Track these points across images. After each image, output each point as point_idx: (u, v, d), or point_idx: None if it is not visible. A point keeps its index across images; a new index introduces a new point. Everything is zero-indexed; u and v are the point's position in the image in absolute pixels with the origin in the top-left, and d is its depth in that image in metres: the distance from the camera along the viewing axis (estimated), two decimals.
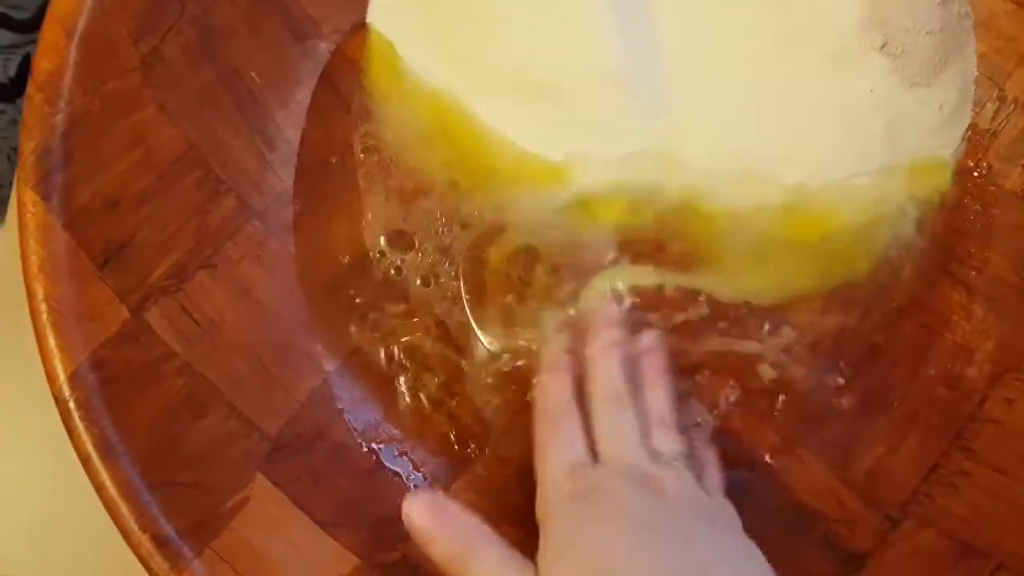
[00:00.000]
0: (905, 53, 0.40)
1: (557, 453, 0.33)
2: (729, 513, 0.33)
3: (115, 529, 0.31)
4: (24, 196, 0.32)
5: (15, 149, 0.48)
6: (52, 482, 0.41)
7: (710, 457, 0.36)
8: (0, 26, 0.49)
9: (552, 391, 0.35)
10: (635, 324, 0.39)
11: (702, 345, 0.40)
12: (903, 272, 0.40)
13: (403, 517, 0.31)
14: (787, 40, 0.40)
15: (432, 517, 0.31)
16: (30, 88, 0.33)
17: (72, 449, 0.31)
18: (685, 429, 0.36)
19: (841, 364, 0.39)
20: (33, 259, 0.32)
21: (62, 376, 0.31)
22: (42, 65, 0.33)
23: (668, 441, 0.34)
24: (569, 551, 0.29)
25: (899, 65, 0.40)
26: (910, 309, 0.40)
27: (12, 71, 0.49)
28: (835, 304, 0.40)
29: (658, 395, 0.36)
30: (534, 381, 0.36)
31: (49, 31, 0.33)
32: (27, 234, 0.32)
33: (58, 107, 0.33)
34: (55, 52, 0.33)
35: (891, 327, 0.40)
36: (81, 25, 0.34)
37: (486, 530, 0.31)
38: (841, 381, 0.39)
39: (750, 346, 0.40)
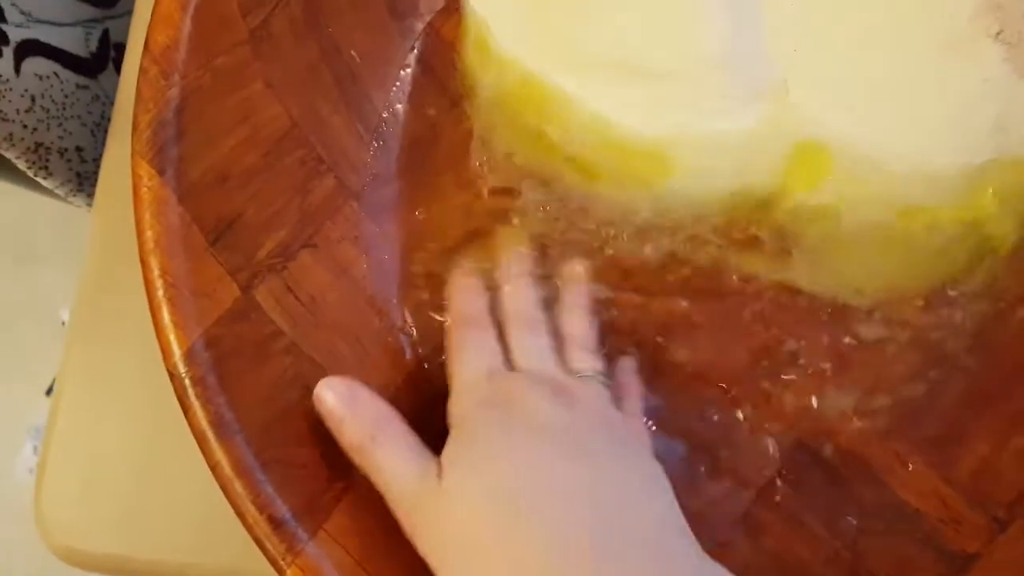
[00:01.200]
0: (1021, 41, 0.39)
1: (474, 357, 0.34)
2: (640, 434, 0.35)
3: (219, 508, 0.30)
4: (140, 169, 0.32)
5: (98, 124, 0.48)
6: (160, 458, 0.40)
7: (634, 385, 0.37)
8: (81, 0, 0.49)
9: (465, 302, 0.37)
10: None
11: (797, 335, 0.39)
12: (1007, 267, 0.39)
13: (314, 400, 0.32)
14: (899, 25, 0.40)
15: (343, 402, 0.32)
16: (145, 60, 0.32)
17: (183, 426, 0.31)
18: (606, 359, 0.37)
19: (944, 361, 0.38)
20: (149, 233, 0.31)
21: (178, 352, 0.31)
22: (157, 38, 0.33)
23: (585, 359, 0.35)
24: (472, 451, 0.30)
25: (1014, 54, 0.39)
26: (1015, 303, 0.39)
27: (94, 46, 0.49)
28: (937, 300, 0.39)
29: (574, 320, 0.37)
30: (444, 299, 0.37)
31: (164, 3, 0.33)
32: (143, 208, 0.31)
33: (172, 80, 0.33)
34: (170, 24, 0.33)
35: (996, 322, 0.39)
36: None
37: (395, 417, 0.32)
38: (943, 378, 0.38)
39: (849, 342, 0.39)
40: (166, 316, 0.31)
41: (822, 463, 0.37)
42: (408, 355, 0.38)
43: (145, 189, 0.32)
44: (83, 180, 0.47)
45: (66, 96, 0.46)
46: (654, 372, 0.38)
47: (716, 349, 0.39)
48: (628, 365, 0.38)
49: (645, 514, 0.30)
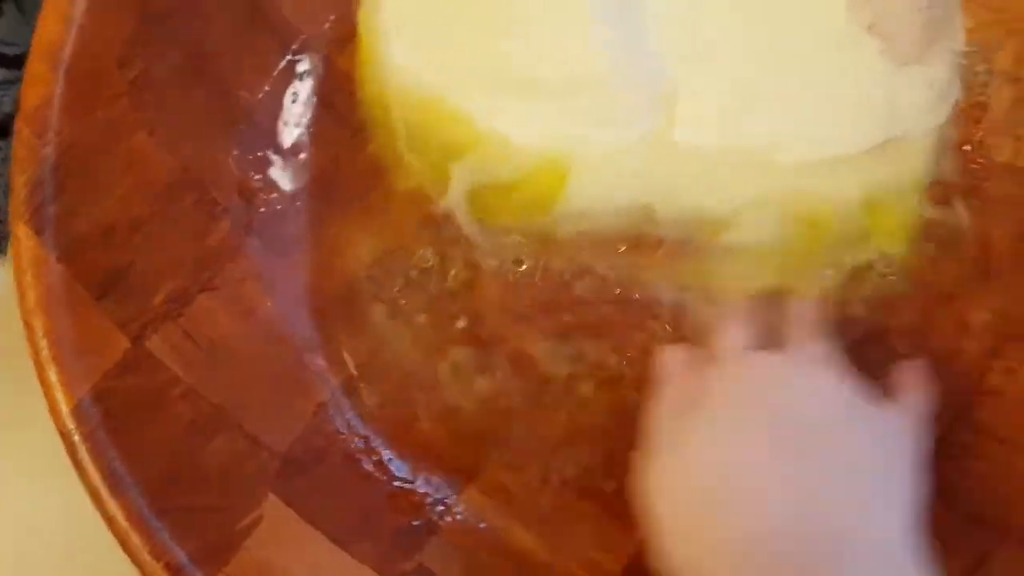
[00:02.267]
0: (894, 32, 0.40)
1: (734, 335, 0.35)
2: (901, 428, 0.33)
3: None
4: (18, 231, 0.32)
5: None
6: (65, 514, 0.40)
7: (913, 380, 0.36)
8: None
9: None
10: None
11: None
12: (902, 252, 0.40)
13: None
14: (778, 23, 0.40)
15: None
16: (18, 122, 0.33)
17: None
18: None
19: (843, 345, 0.39)
20: (30, 294, 0.32)
21: (65, 410, 0.31)
22: (29, 98, 0.33)
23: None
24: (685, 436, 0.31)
25: (889, 45, 0.40)
26: (911, 286, 0.39)
27: (7, 107, 0.49)
28: (834, 288, 0.40)
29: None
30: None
31: (34, 63, 0.33)
32: (22, 269, 0.32)
33: (47, 139, 0.33)
34: (41, 84, 0.33)
35: (892, 306, 0.39)
36: (66, 55, 0.34)
37: None
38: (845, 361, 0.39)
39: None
40: (51, 375, 0.31)
41: None
42: (320, 388, 0.38)
43: (24, 250, 0.32)
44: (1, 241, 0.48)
45: None
46: None
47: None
48: (912, 366, 0.37)
49: (871, 524, 0.29)
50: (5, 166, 0.49)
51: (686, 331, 0.39)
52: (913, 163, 0.41)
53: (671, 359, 0.36)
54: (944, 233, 0.40)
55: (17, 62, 0.51)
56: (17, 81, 0.51)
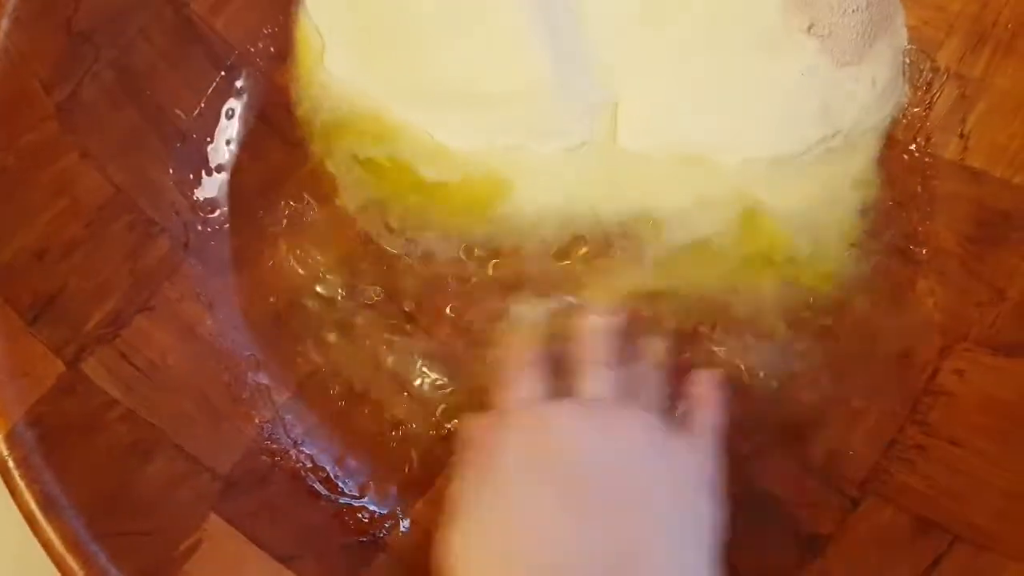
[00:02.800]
0: (833, 33, 0.40)
1: (515, 388, 0.34)
2: (697, 464, 0.32)
3: None
4: None
5: None
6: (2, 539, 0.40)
7: (711, 397, 0.36)
8: None
9: (520, 350, 0.36)
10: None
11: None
12: (849, 252, 0.40)
13: None
14: (715, 27, 0.40)
15: None
16: None
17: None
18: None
19: (794, 348, 0.39)
20: None
21: None
22: None
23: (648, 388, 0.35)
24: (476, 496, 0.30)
25: (828, 46, 0.40)
26: (859, 288, 0.40)
27: None
28: (783, 290, 0.40)
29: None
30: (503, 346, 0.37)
31: None
32: None
33: None
34: None
35: (841, 308, 0.39)
36: None
37: None
38: (795, 366, 0.39)
39: (701, 333, 0.40)
40: None
41: None
42: (263, 406, 0.38)
43: None
44: None
45: None
46: None
47: None
48: (707, 376, 0.37)
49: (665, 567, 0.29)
50: None
51: None
52: (857, 162, 0.41)
53: (470, 425, 0.34)
54: (891, 233, 0.40)
55: None
56: None
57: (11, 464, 0.31)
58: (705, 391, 0.36)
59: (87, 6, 0.36)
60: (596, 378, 0.34)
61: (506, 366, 0.36)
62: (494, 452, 0.31)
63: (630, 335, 0.38)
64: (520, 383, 0.35)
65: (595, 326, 0.37)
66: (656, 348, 0.38)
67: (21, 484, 0.31)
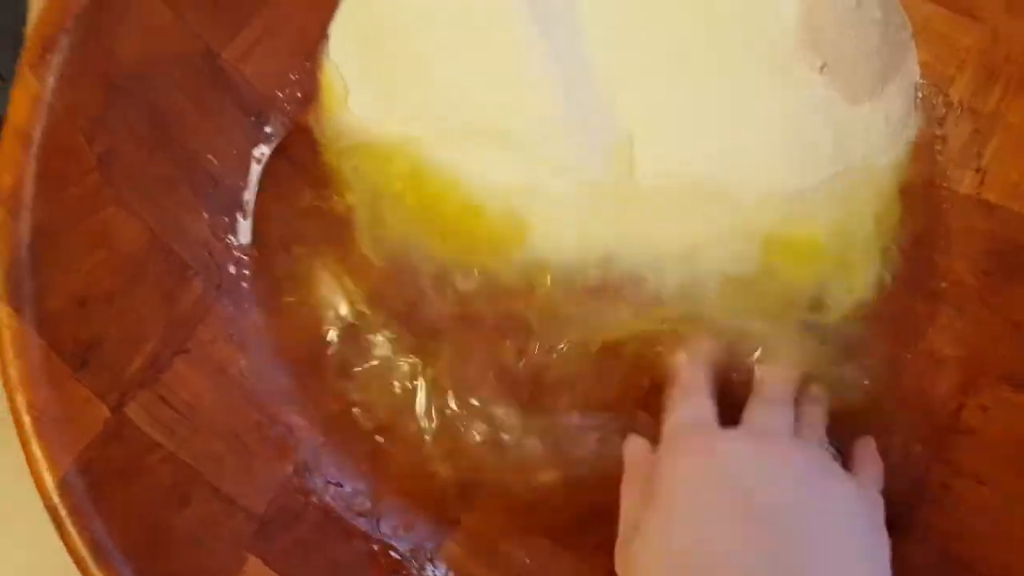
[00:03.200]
0: (845, 72, 0.41)
1: (683, 411, 0.34)
2: (869, 504, 0.33)
3: None
4: None
5: None
6: None
7: (870, 457, 0.36)
8: None
9: (690, 375, 0.37)
10: None
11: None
12: (868, 287, 0.41)
13: None
14: (727, 62, 0.41)
15: None
16: None
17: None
18: None
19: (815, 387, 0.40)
20: (12, 371, 0.33)
21: (50, 484, 0.32)
22: (3, 180, 0.34)
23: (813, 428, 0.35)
24: (659, 512, 0.31)
25: (840, 84, 0.41)
26: (879, 325, 0.40)
27: None
28: (802, 326, 0.40)
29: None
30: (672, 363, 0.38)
31: (7, 144, 0.34)
32: (5, 347, 0.33)
33: (22, 218, 0.34)
34: (14, 165, 0.34)
35: (862, 345, 0.40)
36: (37, 135, 0.34)
37: None
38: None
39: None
40: (36, 449, 0.32)
41: None
42: (297, 445, 0.39)
43: (4, 328, 0.33)
44: None
45: None
46: None
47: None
48: (866, 441, 0.37)
49: None
50: None
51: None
52: (873, 198, 0.42)
53: (632, 446, 0.36)
54: (909, 267, 0.40)
55: None
56: None
57: (63, 512, 0.32)
58: (868, 455, 0.37)
59: (126, 60, 0.37)
60: (765, 411, 0.35)
61: (674, 390, 0.36)
62: (665, 475, 0.32)
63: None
64: (687, 407, 0.35)
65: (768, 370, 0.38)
66: (818, 395, 0.38)
67: (73, 531, 0.32)
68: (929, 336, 0.40)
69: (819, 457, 0.33)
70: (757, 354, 0.39)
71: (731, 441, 0.33)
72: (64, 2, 0.35)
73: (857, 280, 0.41)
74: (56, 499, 0.32)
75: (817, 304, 0.41)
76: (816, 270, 0.41)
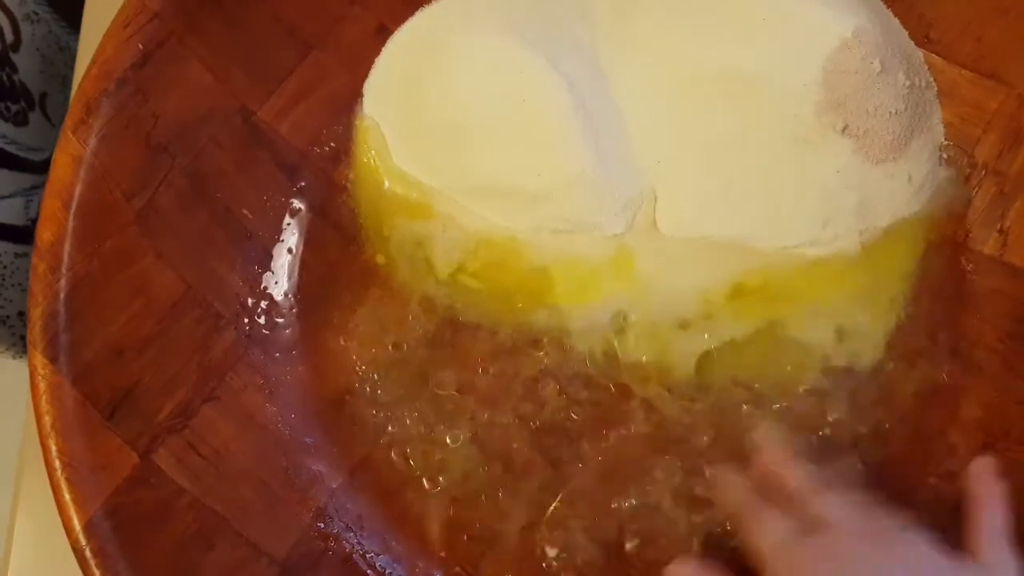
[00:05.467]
0: (868, 133, 0.41)
1: (773, 524, 0.34)
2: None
3: None
4: (34, 360, 0.35)
5: None
6: None
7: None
8: (20, 170, 0.53)
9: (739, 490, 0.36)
10: None
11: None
12: (888, 346, 0.41)
13: None
14: (750, 127, 0.42)
15: None
16: (34, 257, 0.36)
17: None
18: None
19: (836, 449, 0.40)
20: (46, 419, 0.34)
21: (77, 527, 0.33)
22: (44, 235, 0.36)
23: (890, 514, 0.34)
24: None
25: (863, 145, 0.41)
26: (898, 384, 0.40)
27: (34, 212, 0.53)
28: (821, 385, 0.40)
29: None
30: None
31: (48, 203, 0.36)
32: (38, 395, 0.34)
33: (60, 273, 0.36)
34: (55, 223, 0.36)
35: (881, 405, 0.40)
36: (78, 193, 0.36)
37: None
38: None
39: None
40: (65, 494, 0.34)
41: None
42: (318, 491, 0.40)
43: (40, 378, 0.35)
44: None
45: (4, 267, 0.49)
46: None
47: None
48: (982, 466, 0.35)
49: None
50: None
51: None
52: (896, 256, 0.42)
53: (750, 551, 0.34)
54: (931, 327, 0.40)
55: (43, 167, 0.54)
56: (42, 185, 0.54)
57: (88, 554, 0.33)
58: (982, 487, 0.34)
59: (165, 121, 0.39)
60: (828, 503, 0.34)
61: (746, 510, 0.35)
62: None
63: None
64: (775, 520, 0.34)
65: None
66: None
67: (98, 573, 0.33)
68: (950, 397, 0.39)
69: (927, 547, 0.32)
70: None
71: (847, 544, 0.32)
72: (107, 65, 0.37)
73: (877, 338, 0.41)
74: (83, 541, 0.33)
75: (835, 362, 0.40)
76: (836, 327, 0.41)
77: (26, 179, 0.53)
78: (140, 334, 0.38)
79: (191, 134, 0.40)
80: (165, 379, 0.38)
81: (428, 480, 0.41)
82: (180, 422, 0.38)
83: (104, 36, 0.37)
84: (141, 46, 0.37)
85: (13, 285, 0.50)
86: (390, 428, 0.41)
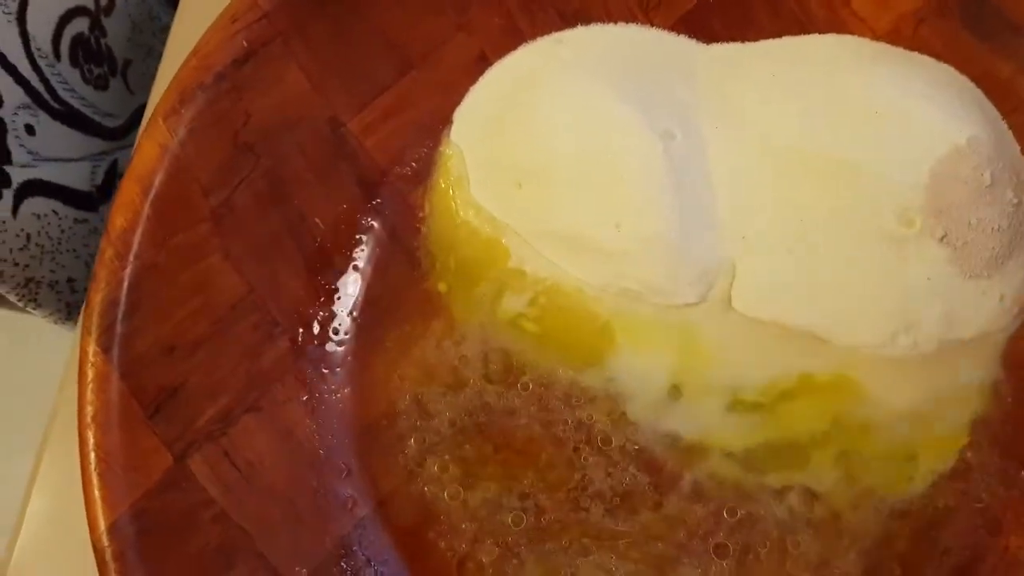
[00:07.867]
0: (966, 245, 0.39)
1: None
2: None
3: None
4: (86, 346, 0.34)
5: (92, 256, 0.51)
6: None
7: None
8: (93, 134, 0.52)
9: None
10: None
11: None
12: (947, 465, 0.39)
13: None
14: (844, 217, 0.40)
15: None
16: (103, 242, 0.35)
17: None
18: None
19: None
20: (88, 409, 0.33)
21: (102, 526, 0.32)
22: (116, 221, 0.35)
23: None
24: None
25: (959, 256, 0.40)
26: (958, 509, 0.39)
27: (99, 178, 0.52)
28: (872, 491, 0.39)
29: None
30: None
31: (127, 188, 0.35)
32: (85, 383, 0.34)
33: (127, 261, 0.35)
34: (130, 209, 0.35)
35: (941, 527, 0.39)
36: (158, 182, 0.36)
37: None
38: None
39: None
40: (95, 491, 0.33)
41: None
42: (344, 519, 0.39)
43: (89, 366, 0.34)
44: (72, 310, 0.50)
45: (63, 231, 0.49)
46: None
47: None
48: None
49: None
50: (92, 238, 0.52)
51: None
52: (971, 372, 0.40)
53: None
54: (996, 451, 0.39)
55: (115, 133, 0.54)
56: (112, 152, 0.54)
57: (108, 556, 0.32)
58: None
59: (256, 121, 0.38)
60: None
61: None
62: None
63: None
64: None
65: None
66: None
67: None
68: (1009, 527, 0.38)
69: None
70: None
71: None
72: (208, 58, 0.36)
73: (945, 453, 0.40)
74: (105, 542, 0.32)
75: (887, 470, 0.39)
76: (894, 436, 0.40)
77: (96, 144, 0.52)
78: (194, 333, 0.37)
79: (278, 137, 0.39)
80: (212, 382, 0.37)
81: (454, 525, 0.39)
82: (219, 429, 0.37)
83: (209, 28, 0.37)
84: (246, 43, 0.37)
85: (68, 251, 0.50)
86: (425, 466, 0.40)
